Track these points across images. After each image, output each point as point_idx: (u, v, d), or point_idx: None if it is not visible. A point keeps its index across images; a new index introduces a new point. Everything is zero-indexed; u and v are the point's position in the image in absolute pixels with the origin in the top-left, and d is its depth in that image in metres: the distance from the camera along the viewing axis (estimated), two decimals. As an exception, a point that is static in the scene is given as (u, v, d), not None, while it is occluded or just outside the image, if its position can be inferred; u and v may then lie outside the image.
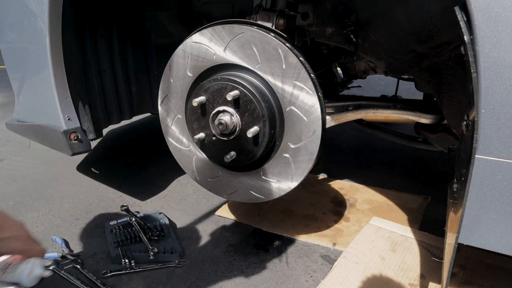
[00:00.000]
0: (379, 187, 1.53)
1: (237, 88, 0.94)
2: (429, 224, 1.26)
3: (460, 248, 0.76)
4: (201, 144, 1.06)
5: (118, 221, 1.30)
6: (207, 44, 1.00)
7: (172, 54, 1.07)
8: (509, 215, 0.68)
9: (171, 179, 1.68)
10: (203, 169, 1.13)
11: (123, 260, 1.11)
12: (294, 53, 0.91)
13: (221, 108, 0.98)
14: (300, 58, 0.91)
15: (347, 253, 1.11)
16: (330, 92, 1.57)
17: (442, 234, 1.02)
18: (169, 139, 1.17)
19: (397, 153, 1.91)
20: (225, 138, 1.00)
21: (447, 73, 0.95)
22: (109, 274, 1.08)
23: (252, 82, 0.97)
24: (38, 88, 1.26)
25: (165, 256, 1.14)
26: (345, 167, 1.76)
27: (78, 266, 1.10)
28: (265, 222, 1.31)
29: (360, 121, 1.45)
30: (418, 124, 1.24)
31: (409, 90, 2.09)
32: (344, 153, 1.98)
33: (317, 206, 1.41)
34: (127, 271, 1.09)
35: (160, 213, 1.35)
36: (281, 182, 1.02)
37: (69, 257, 1.14)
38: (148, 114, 2.01)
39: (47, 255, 1.12)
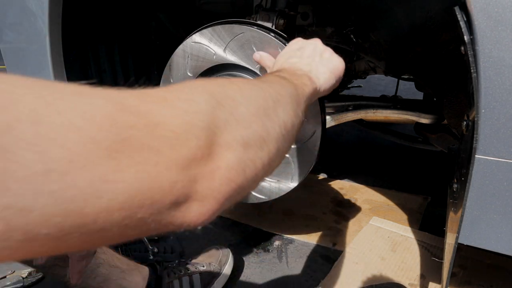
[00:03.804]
0: (379, 187, 1.53)
1: (237, 88, 0.94)
2: (429, 224, 1.26)
3: (460, 248, 0.76)
4: (201, 144, 1.05)
5: (118, 221, 1.30)
6: (207, 44, 1.00)
7: (172, 54, 1.06)
8: (509, 215, 0.68)
9: (171, 179, 1.67)
10: (203, 169, 1.13)
11: (123, 260, 1.11)
12: (294, 53, 0.91)
13: (221, 108, 0.97)
14: (300, 58, 0.91)
15: (347, 253, 1.11)
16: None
17: (442, 234, 1.02)
18: (169, 139, 1.16)
19: (397, 153, 1.91)
20: (225, 138, 1.00)
21: (447, 73, 0.95)
22: (109, 274, 1.08)
23: (252, 82, 0.96)
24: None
25: (165, 256, 1.14)
26: (345, 167, 1.75)
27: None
28: (265, 222, 1.31)
29: (360, 121, 1.45)
30: (418, 124, 1.24)
31: (409, 90, 2.09)
32: (344, 153, 1.98)
33: (317, 206, 1.41)
34: (127, 271, 1.09)
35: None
36: (281, 182, 1.02)
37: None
38: (148, 114, 2.01)
39: None
